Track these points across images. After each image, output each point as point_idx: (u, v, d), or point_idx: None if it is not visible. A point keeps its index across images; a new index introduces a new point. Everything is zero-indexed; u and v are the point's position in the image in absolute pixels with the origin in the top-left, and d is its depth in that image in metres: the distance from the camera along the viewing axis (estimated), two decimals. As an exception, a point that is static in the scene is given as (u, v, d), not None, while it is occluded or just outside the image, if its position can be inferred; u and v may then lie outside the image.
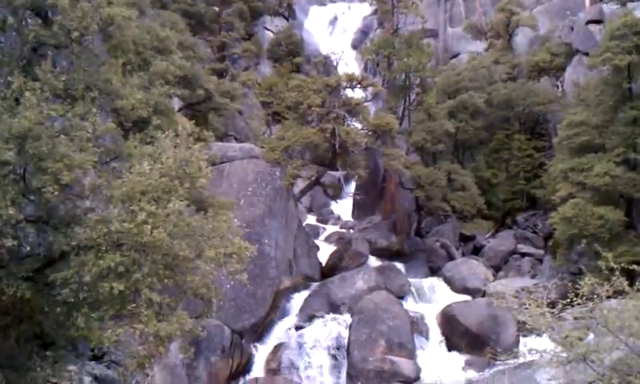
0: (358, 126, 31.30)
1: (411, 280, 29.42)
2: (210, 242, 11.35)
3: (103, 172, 11.57)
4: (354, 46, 56.70)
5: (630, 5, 31.30)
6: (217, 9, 51.10)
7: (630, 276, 12.47)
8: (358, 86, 32.40)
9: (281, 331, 25.51)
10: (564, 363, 11.34)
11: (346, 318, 25.20)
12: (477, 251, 34.79)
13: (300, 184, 32.28)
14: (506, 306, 14.74)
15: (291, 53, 53.27)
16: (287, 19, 59.49)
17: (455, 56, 51.58)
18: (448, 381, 22.22)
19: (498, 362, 19.91)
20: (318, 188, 38.99)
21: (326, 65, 46.57)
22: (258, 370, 23.91)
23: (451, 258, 33.04)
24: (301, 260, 28.88)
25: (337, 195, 41.92)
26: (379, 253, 32.67)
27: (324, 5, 64.69)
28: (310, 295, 27.17)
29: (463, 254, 34.29)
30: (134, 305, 10.23)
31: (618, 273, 11.54)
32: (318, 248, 32.62)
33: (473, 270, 30.00)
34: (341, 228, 39.06)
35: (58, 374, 11.98)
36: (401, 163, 30.97)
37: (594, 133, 27.12)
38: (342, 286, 27.14)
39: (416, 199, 35.25)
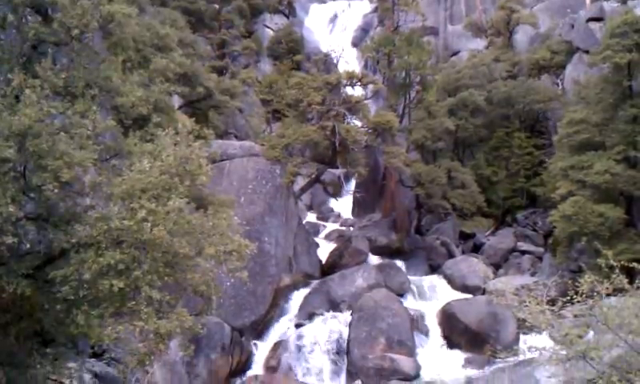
0: (358, 123, 31.30)
1: (411, 278, 29.45)
2: (210, 240, 11.34)
3: (103, 169, 11.57)
4: (355, 44, 56.69)
5: (630, 2, 31.34)
6: (217, 6, 51.03)
7: (630, 274, 12.47)
8: (358, 83, 32.42)
9: (281, 329, 25.55)
10: (564, 361, 11.36)
11: (346, 315, 25.23)
12: (477, 249, 34.80)
13: (300, 182, 32.30)
14: (505, 304, 14.77)
15: (291, 50, 53.25)
16: (287, 17, 59.46)
17: (455, 54, 51.54)
18: (448, 378, 22.27)
19: (498, 360, 19.93)
20: (318, 186, 39.01)
21: (327, 62, 46.58)
22: (257, 367, 23.95)
23: (451, 255, 33.06)
24: (301, 258, 28.90)
25: (337, 193, 41.97)
26: (379, 250, 32.69)
27: (324, 2, 64.66)
28: (309, 293, 27.19)
29: (463, 252, 34.31)
30: (134, 302, 10.23)
31: (617, 270, 11.56)
32: (317, 246, 32.63)
33: (473, 267, 30.03)
34: (341, 226, 39.08)
35: (58, 371, 11.99)
36: (401, 161, 30.96)
37: (594, 131, 27.12)
38: (341, 283, 27.16)
39: (416, 197, 35.27)
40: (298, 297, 27.12)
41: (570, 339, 11.26)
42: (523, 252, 33.52)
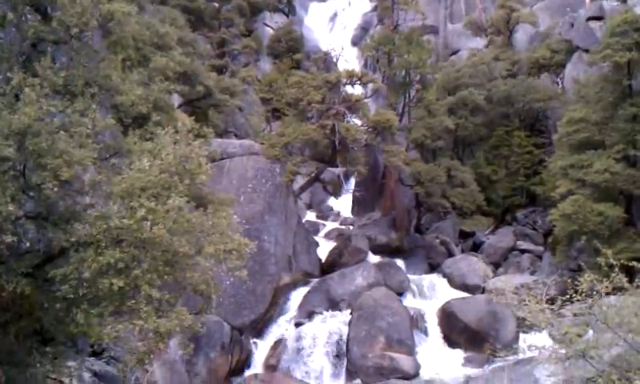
0: (358, 122, 31.28)
1: (411, 276, 29.45)
2: (209, 239, 11.35)
3: (103, 168, 11.56)
4: (354, 43, 56.68)
5: (630, 1, 31.32)
6: (216, 5, 51.02)
7: (630, 272, 12.48)
8: (358, 82, 32.40)
9: (280, 328, 25.55)
10: (563, 359, 11.36)
11: (346, 314, 25.24)
12: (476, 248, 34.80)
13: (300, 180, 32.28)
14: (505, 303, 14.79)
15: (291, 49, 53.23)
16: (287, 15, 59.43)
17: (455, 52, 51.52)
18: (447, 377, 22.28)
19: (498, 359, 19.95)
20: (317, 184, 38.91)
21: (326, 61, 46.54)
22: (257, 366, 23.96)
23: (451, 254, 33.07)
24: (300, 256, 28.89)
25: (336, 192, 41.94)
26: (379, 249, 32.68)
27: (324, 1, 64.65)
28: (309, 291, 27.19)
29: (463, 251, 34.32)
30: (134, 301, 10.23)
31: (617, 269, 11.56)
32: (317, 244, 32.62)
33: (472, 266, 30.04)
34: (340, 224, 39.08)
35: (58, 369, 11.98)
36: (400, 160, 30.95)
37: (594, 129, 27.12)
38: (341, 282, 27.16)
39: (416, 196, 35.26)
40: (297, 295, 27.12)
41: (569, 338, 11.27)
42: (523, 251, 33.52)
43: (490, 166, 38.52)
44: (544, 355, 11.95)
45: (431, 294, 28.78)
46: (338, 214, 41.50)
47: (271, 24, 57.44)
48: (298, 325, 25.17)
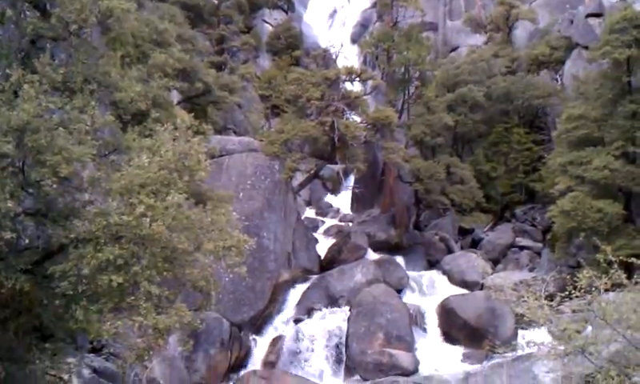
0: (357, 119, 31.27)
1: (410, 273, 29.45)
2: (208, 235, 11.36)
3: (102, 165, 11.57)
4: (354, 40, 56.55)
5: (629, -2, 31.26)
6: (215, 1, 50.90)
7: (628, 269, 12.51)
8: (357, 79, 32.37)
9: (279, 324, 25.58)
10: (562, 356, 11.38)
11: (345, 310, 25.25)
12: (475, 244, 34.80)
13: (299, 177, 32.27)
14: (504, 299, 14.79)
15: (290, 46, 53.13)
16: (286, 12, 59.29)
17: (454, 49, 51.44)
18: (446, 373, 22.29)
19: (496, 355, 19.98)
20: (317, 181, 38.95)
21: (325, 58, 46.46)
22: (256, 362, 23.98)
23: (450, 251, 33.06)
24: (300, 253, 28.90)
25: (336, 188, 41.93)
26: (378, 246, 32.67)
27: (323, -2, 64.50)
28: (308, 288, 27.20)
29: (462, 248, 34.32)
30: (133, 297, 10.24)
31: (616, 266, 11.57)
32: (316, 241, 32.64)
33: (471, 263, 30.01)
34: (340, 221, 39.05)
35: (57, 366, 12.01)
36: (400, 157, 30.95)
37: (593, 126, 27.11)
38: (340, 279, 27.17)
39: (415, 192, 35.25)
40: (296, 292, 27.14)
41: (568, 334, 11.28)
42: (522, 247, 33.54)
43: (489, 163, 38.50)
44: (543, 351, 11.96)
45: (430, 290, 28.79)
46: (338, 210, 41.47)
47: (270, 21, 57.33)
48: (297, 321, 25.19)
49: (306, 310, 25.81)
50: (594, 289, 11.53)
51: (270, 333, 25.19)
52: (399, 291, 27.26)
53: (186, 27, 35.73)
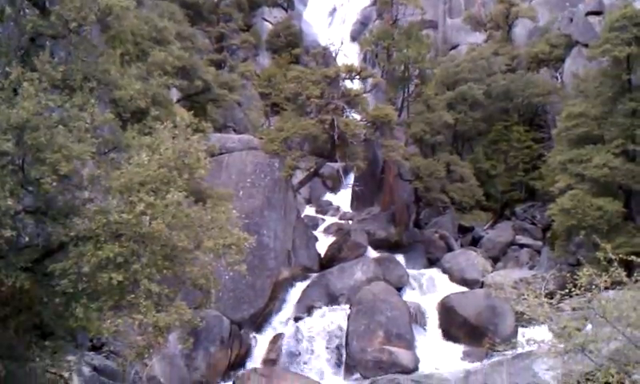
0: (357, 117, 31.27)
1: (410, 271, 29.45)
2: (208, 233, 11.35)
3: (102, 163, 11.55)
4: (353, 37, 56.51)
5: (629, -4, 31.18)
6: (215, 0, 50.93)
7: (628, 267, 12.51)
8: (357, 77, 32.38)
9: (279, 322, 25.58)
10: (562, 353, 11.38)
11: (345, 308, 25.25)
12: (475, 242, 34.82)
13: (299, 175, 32.26)
14: (504, 297, 14.80)
15: (290, 44, 53.13)
16: (286, 10, 59.29)
17: (454, 47, 51.43)
18: (446, 371, 22.29)
19: (496, 353, 19.98)
20: (316, 179, 38.99)
21: (325, 56, 46.41)
22: (256, 360, 23.98)
23: (450, 249, 33.07)
24: (299, 251, 28.90)
25: (336, 186, 41.94)
26: (378, 244, 32.68)
27: (323, -5, 64.45)
28: (308, 286, 27.21)
29: (462, 245, 34.33)
30: (133, 295, 10.24)
31: (616, 264, 11.56)
32: (316, 239, 32.64)
33: (471, 261, 30.04)
34: (340, 219, 39.05)
35: (57, 364, 12.01)
36: (400, 154, 30.95)
37: (593, 124, 27.11)
38: (340, 276, 27.18)
39: (415, 190, 35.26)
40: (296, 290, 27.14)
41: (568, 332, 11.27)
42: (522, 245, 33.56)
43: (489, 161, 38.52)
44: (543, 349, 11.95)
45: (430, 288, 28.79)
46: (337, 208, 41.46)
47: (270, 19, 57.31)
48: (297, 319, 25.19)
49: (306, 308, 25.81)
50: (594, 287, 11.52)
51: (270, 331, 25.20)
52: (399, 289, 27.27)
53: (185, 25, 35.71)
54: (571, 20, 39.11)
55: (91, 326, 10.40)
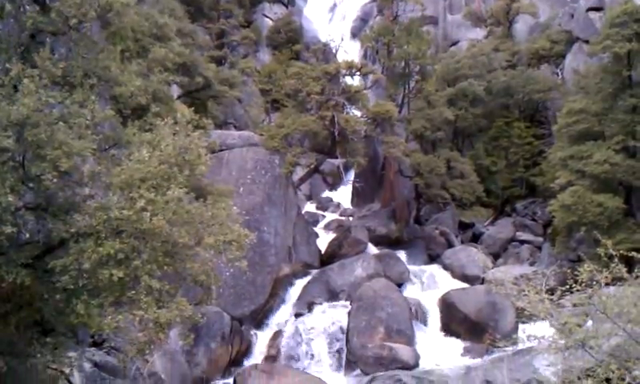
0: (358, 113, 31.26)
1: (410, 267, 29.48)
2: (209, 230, 11.35)
3: (102, 159, 11.55)
4: (354, 34, 56.48)
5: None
6: (215, -4, 50.87)
7: (629, 263, 12.48)
8: (358, 73, 32.37)
9: (280, 318, 25.60)
10: (562, 349, 11.37)
11: (345, 305, 25.28)
12: (476, 239, 34.85)
13: (299, 172, 32.27)
14: (504, 293, 14.78)
15: (290, 40, 53.10)
16: (286, 6, 59.23)
17: (455, 43, 51.39)
18: (446, 367, 22.31)
19: (497, 349, 19.96)
20: (317, 176, 38.97)
21: (326, 52, 46.39)
22: (257, 356, 24.00)
23: (450, 245, 33.09)
24: (300, 247, 28.92)
25: (336, 183, 41.97)
26: (378, 240, 32.71)
27: (323, -8, 64.36)
28: (309, 282, 27.24)
29: (462, 242, 34.36)
30: (134, 292, 10.24)
31: (616, 260, 11.55)
32: (317, 235, 32.66)
33: (472, 257, 30.07)
34: (340, 216, 39.09)
35: (58, 360, 12.02)
36: (400, 151, 30.94)
37: (594, 120, 27.10)
38: (341, 273, 27.19)
39: (415, 187, 35.27)
40: (297, 286, 27.17)
41: (568, 328, 11.27)
42: (522, 241, 33.58)
43: (489, 157, 38.53)
44: (543, 345, 11.96)
45: (431, 284, 28.82)
46: (338, 205, 41.50)
47: (270, 15, 57.26)
48: (297, 316, 25.21)
49: (306, 304, 25.84)
50: (594, 283, 11.51)
51: (271, 327, 25.21)
52: (400, 285, 27.30)
53: (185, 21, 35.66)
54: (572, 16, 39.08)
55: (92, 323, 10.40)
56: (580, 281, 11.62)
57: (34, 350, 11.47)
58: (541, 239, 33.29)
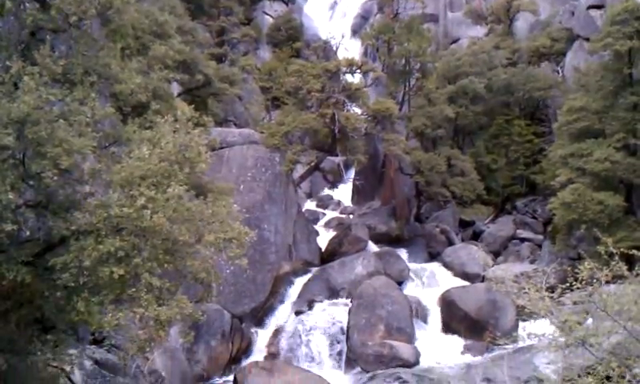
0: (358, 111, 31.26)
1: (411, 265, 29.50)
2: (209, 227, 11.34)
3: (102, 157, 11.53)
4: (354, 31, 56.48)
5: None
6: (216, -7, 50.78)
7: (629, 261, 12.47)
8: (358, 71, 32.35)
9: (280, 316, 25.62)
10: (562, 347, 11.37)
11: (346, 302, 25.29)
12: (476, 236, 34.86)
13: (300, 169, 32.29)
14: (505, 291, 14.76)
15: (291, 38, 53.07)
16: (287, 4, 59.17)
17: (455, 41, 51.38)
18: (447, 365, 22.34)
19: (497, 347, 20.02)
20: (317, 173, 38.96)
21: (326, 50, 46.45)
22: (257, 354, 24.03)
23: (451, 243, 33.10)
24: (300, 245, 28.94)
25: (336, 181, 41.97)
26: (379, 238, 32.73)
27: (324, -11, 64.33)
28: (309, 280, 27.26)
29: (462, 240, 34.39)
30: (134, 289, 10.22)
31: (617, 258, 11.55)
32: (317, 233, 32.67)
33: (472, 255, 30.08)
34: (340, 213, 39.10)
35: (59, 357, 12.02)
36: (400, 149, 30.94)
37: (594, 118, 27.09)
38: (341, 271, 27.21)
39: (416, 185, 35.26)
40: (297, 284, 27.20)
41: (569, 326, 11.26)
42: (523, 239, 33.60)
43: (489, 155, 38.52)
44: (543, 343, 11.95)
45: (431, 282, 28.85)
46: (338, 203, 41.51)
47: (271, 12, 57.22)
48: (298, 313, 25.22)
49: (306, 302, 25.86)
50: (594, 281, 11.51)
51: (271, 324, 25.24)
52: (400, 283, 27.31)
53: (186, 19, 35.60)
54: (572, 14, 39.07)
55: (92, 320, 10.40)
56: (580, 279, 11.61)
57: (35, 348, 11.47)
58: (541, 237, 33.30)
